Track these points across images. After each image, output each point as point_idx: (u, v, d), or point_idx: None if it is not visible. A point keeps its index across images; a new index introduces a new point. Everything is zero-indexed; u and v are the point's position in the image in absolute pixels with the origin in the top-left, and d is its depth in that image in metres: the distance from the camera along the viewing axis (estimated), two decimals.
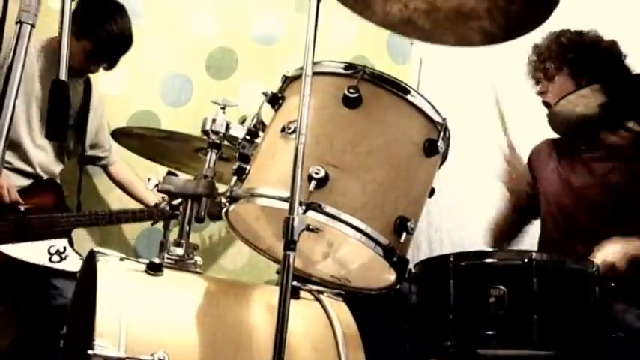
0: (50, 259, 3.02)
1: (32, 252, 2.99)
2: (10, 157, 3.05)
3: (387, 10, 1.87)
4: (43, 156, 3.19)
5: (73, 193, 3.30)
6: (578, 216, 2.57)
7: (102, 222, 3.22)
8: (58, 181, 3.28)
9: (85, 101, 3.33)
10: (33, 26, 1.26)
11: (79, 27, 3.01)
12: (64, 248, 3.06)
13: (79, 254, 3.13)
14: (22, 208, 2.99)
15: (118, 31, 3.17)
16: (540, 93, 2.69)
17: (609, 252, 2.21)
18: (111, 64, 3.28)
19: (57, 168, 3.29)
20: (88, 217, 3.19)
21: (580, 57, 2.58)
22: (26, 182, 3.11)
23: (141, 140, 2.76)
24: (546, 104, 2.67)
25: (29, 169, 3.14)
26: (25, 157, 3.12)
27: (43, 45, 3.15)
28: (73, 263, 3.07)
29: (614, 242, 2.28)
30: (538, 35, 2.71)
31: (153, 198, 3.32)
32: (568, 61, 2.60)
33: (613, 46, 2.60)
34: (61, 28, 1.31)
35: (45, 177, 3.20)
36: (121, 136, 2.95)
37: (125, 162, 3.51)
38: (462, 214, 3.66)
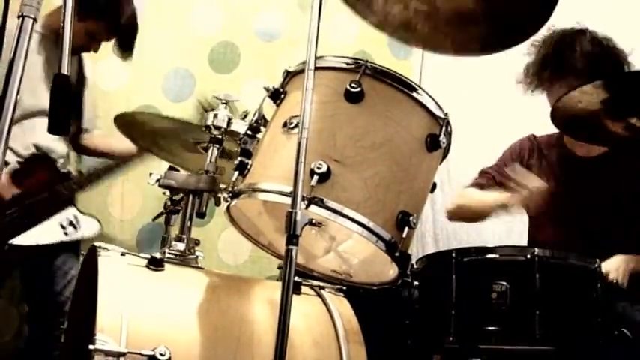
0: (65, 233, 2.98)
1: (46, 233, 2.93)
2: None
3: (387, 11, 1.86)
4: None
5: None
6: (572, 219, 2.54)
7: (102, 175, 3.13)
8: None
9: (80, 76, 3.29)
10: (35, 20, 1.25)
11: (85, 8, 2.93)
12: (75, 217, 3.03)
13: (92, 216, 3.11)
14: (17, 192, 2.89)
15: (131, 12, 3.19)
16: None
17: (612, 269, 2.23)
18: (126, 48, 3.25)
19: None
20: (87, 176, 3.11)
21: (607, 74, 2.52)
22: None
23: (143, 129, 2.73)
24: None
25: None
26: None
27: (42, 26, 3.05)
28: (89, 227, 3.05)
29: (616, 259, 2.30)
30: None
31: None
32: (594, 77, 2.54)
33: (620, 51, 2.58)
34: (64, 21, 1.31)
35: None
36: (122, 124, 2.93)
37: None
38: None
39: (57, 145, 3.13)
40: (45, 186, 2.99)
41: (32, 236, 2.89)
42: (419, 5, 1.83)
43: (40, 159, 3.03)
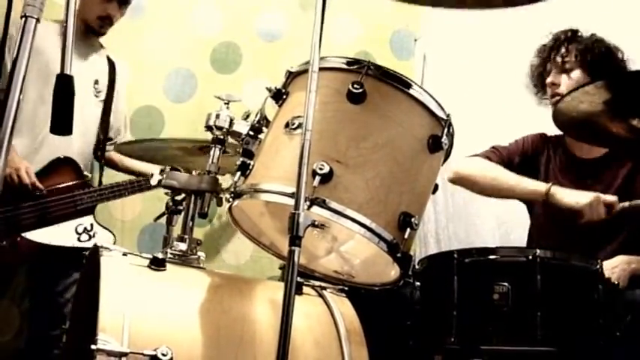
0: (79, 239, 3.01)
1: (60, 235, 2.97)
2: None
3: None
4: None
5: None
6: (573, 222, 2.54)
7: (125, 192, 3.16)
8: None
9: (111, 81, 3.31)
10: (38, 20, 1.26)
11: None
12: (91, 226, 3.06)
13: (107, 229, 3.13)
14: (43, 191, 2.94)
15: None
16: (552, 84, 2.70)
17: (609, 268, 2.23)
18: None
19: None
20: (109, 189, 3.12)
21: (599, 62, 2.60)
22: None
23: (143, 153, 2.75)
24: (556, 96, 2.67)
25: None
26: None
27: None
28: (103, 238, 3.05)
29: (617, 259, 2.30)
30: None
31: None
32: (587, 63, 2.63)
33: (622, 54, 2.62)
34: (66, 22, 1.31)
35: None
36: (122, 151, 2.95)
37: None
38: (469, 211, 3.66)
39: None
40: (67, 189, 3.02)
41: (46, 235, 2.92)
42: None
43: (67, 162, 3.05)
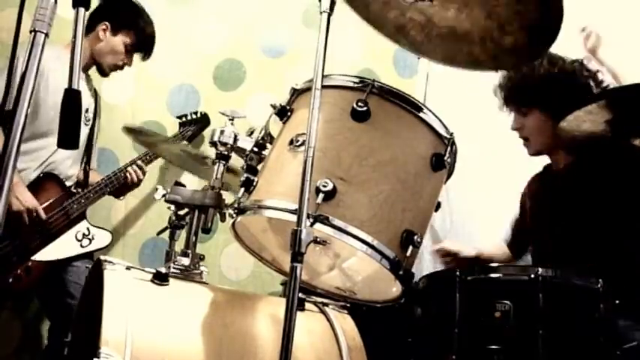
0: (81, 245, 3.11)
1: (63, 247, 3.05)
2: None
3: (383, 15, 1.91)
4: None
5: None
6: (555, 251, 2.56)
7: (107, 189, 3.24)
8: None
9: (95, 111, 3.37)
10: (47, 35, 1.27)
11: (114, 21, 3.19)
12: (88, 230, 3.15)
13: (102, 228, 3.23)
14: (43, 216, 2.97)
15: (149, 19, 3.34)
16: (516, 129, 2.71)
17: None
18: (149, 53, 3.39)
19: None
20: (93, 191, 3.19)
21: (546, 94, 2.56)
22: None
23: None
24: (524, 138, 2.70)
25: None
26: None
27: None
28: (102, 239, 3.18)
29: None
30: None
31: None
32: (536, 101, 2.61)
33: (577, 69, 2.57)
34: (75, 36, 1.32)
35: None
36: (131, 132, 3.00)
37: None
38: (466, 229, 3.66)
39: (65, 167, 3.18)
40: (56, 203, 3.05)
41: (51, 251, 2.97)
42: (415, 15, 1.87)
43: (49, 177, 3.08)
